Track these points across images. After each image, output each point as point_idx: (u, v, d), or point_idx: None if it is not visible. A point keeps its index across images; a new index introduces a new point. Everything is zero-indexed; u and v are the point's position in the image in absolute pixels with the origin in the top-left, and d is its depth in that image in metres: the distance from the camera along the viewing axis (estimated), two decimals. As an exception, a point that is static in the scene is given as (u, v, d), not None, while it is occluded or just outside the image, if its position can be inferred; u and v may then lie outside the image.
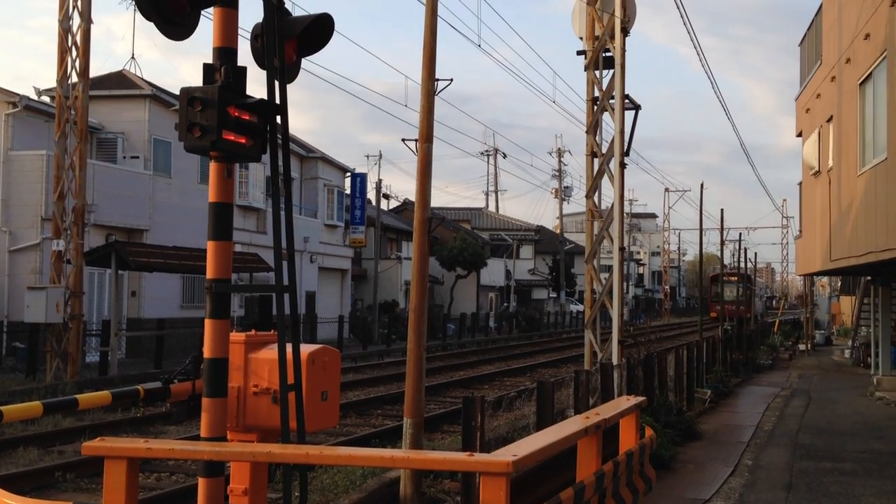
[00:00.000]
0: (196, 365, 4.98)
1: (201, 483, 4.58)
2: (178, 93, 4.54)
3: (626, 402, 7.12)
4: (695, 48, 50.32)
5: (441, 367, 24.73)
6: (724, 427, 13.65)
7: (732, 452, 11.27)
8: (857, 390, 19.30)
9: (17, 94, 23.08)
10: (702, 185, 22.59)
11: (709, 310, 51.17)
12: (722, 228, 26.63)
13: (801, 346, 35.63)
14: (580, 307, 55.12)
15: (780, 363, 28.43)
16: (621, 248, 13.10)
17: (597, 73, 13.65)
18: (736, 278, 41.90)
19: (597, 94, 13.66)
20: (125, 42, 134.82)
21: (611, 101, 13.37)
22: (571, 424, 5.86)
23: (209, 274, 4.58)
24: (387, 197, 46.70)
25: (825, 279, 50.95)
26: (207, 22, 4.75)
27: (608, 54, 13.50)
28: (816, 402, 17.12)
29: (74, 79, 18.64)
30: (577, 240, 65.40)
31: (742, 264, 37.97)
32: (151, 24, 4.32)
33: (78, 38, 18.52)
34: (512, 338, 43.63)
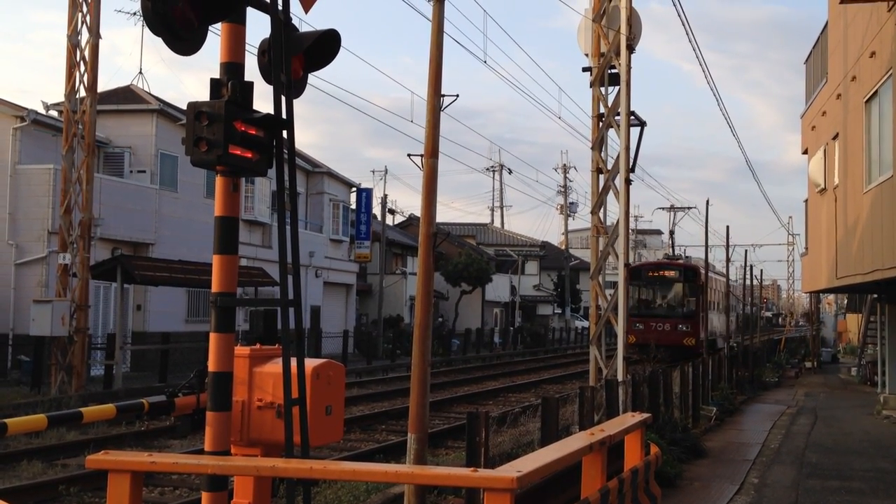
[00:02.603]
0: (200, 379, 4.97)
1: (205, 497, 4.57)
2: (184, 107, 4.56)
3: (631, 418, 7.09)
4: (700, 64, 50.58)
5: (445, 382, 24.67)
6: (729, 444, 13.58)
7: (738, 470, 11.22)
8: (864, 409, 19.20)
9: (25, 109, 23.22)
10: (707, 202, 22.59)
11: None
12: (728, 245, 26.62)
13: (808, 364, 35.49)
14: (585, 323, 54.98)
15: (786, 381, 28.31)
16: (626, 265, 13.09)
17: (602, 89, 13.69)
18: (673, 273, 26.57)
19: (602, 110, 13.69)
20: (131, 57, 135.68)
21: (616, 118, 13.40)
22: (576, 441, 5.83)
23: (214, 288, 4.59)
24: (392, 212, 46.80)
25: (831, 297, 50.84)
26: (214, 37, 4.78)
27: (613, 71, 13.55)
28: (823, 421, 17.03)
29: (82, 93, 18.75)
30: (583, 256, 65.32)
31: (748, 281, 37.13)
32: (159, 40, 4.35)
33: (86, 53, 18.64)
34: (517, 353, 43.52)
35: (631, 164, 13.28)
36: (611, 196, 13.71)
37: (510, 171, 70.68)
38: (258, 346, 5.23)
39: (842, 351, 43.00)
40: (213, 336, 4.58)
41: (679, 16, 16.01)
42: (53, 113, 24.51)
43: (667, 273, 27.85)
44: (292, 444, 4.67)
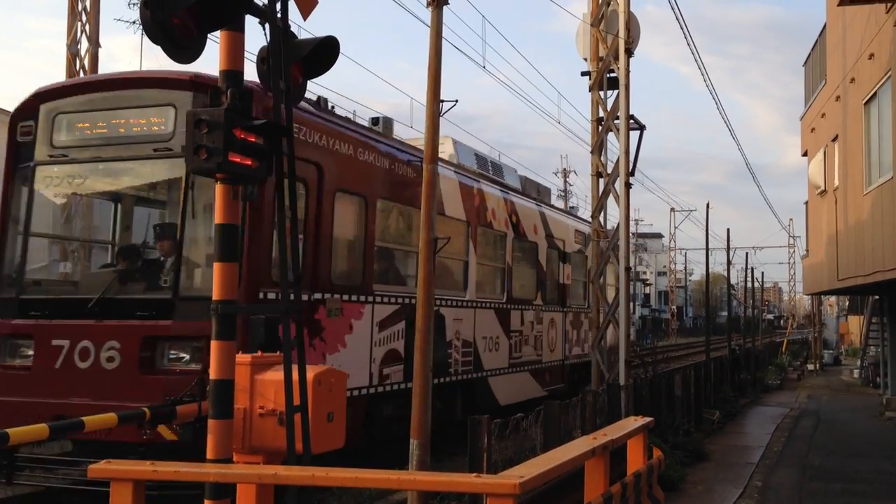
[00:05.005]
0: (202, 386, 4.98)
1: (207, 505, 4.57)
2: (184, 115, 4.57)
3: (634, 422, 7.08)
4: (698, 67, 50.59)
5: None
6: (732, 448, 13.56)
7: (741, 473, 11.20)
8: (867, 410, 19.18)
9: (26, 118, 23.23)
10: (707, 205, 22.51)
11: None
12: (728, 248, 26.60)
13: (810, 366, 35.45)
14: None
15: (788, 383, 28.28)
16: (627, 268, 13.08)
17: (601, 93, 13.70)
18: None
19: (601, 114, 13.70)
20: (130, 65, 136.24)
21: (615, 122, 13.40)
22: (579, 445, 5.82)
23: (215, 295, 4.59)
24: (393, 218, 46.73)
25: (833, 298, 50.79)
26: (213, 45, 4.79)
27: (612, 75, 13.55)
28: (826, 423, 17.01)
29: (82, 102, 18.75)
30: (584, 260, 65.10)
31: (749, 284, 36.98)
32: (158, 48, 4.36)
33: (86, 62, 18.66)
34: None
35: (631, 167, 13.28)
36: (611, 200, 13.70)
37: (510, 176, 70.74)
38: (259, 353, 5.24)
39: (844, 353, 42.93)
40: (214, 344, 4.58)
41: (677, 19, 16.07)
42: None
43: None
44: (294, 451, 4.67)
